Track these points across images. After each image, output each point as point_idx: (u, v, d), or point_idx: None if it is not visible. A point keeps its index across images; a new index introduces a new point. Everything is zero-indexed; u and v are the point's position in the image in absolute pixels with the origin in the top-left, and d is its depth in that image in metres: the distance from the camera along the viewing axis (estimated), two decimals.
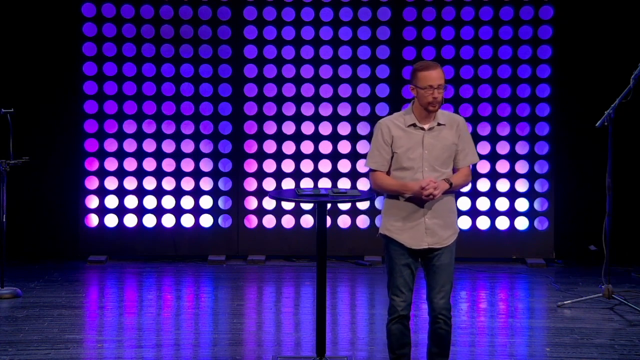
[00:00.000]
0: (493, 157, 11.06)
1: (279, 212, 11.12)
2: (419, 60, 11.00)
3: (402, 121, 6.28)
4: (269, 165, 11.08)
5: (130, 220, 11.10)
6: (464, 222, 11.06)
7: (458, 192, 6.25)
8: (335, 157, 11.10)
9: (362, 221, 11.11)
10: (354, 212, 11.11)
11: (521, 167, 11.06)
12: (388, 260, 6.35)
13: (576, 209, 11.05)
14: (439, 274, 6.27)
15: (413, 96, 6.26)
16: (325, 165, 11.10)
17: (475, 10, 10.97)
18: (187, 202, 11.11)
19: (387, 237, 6.33)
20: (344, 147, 11.09)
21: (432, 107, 6.19)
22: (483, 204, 11.08)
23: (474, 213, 11.08)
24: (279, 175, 11.11)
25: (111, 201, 11.10)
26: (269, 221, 11.14)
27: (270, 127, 11.08)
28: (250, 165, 11.12)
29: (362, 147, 11.07)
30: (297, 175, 11.09)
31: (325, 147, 11.08)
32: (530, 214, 11.06)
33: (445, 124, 6.27)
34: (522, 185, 11.08)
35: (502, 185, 11.08)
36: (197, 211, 11.12)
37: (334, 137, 11.10)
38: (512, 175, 11.07)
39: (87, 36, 10.99)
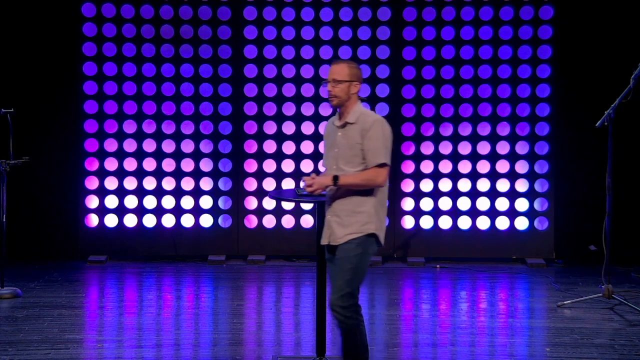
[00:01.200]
0: (493, 157, 11.06)
1: (279, 212, 11.12)
2: (419, 60, 11.01)
3: (333, 119, 6.45)
4: (269, 165, 11.08)
5: (130, 220, 11.11)
6: (464, 222, 11.07)
7: (369, 192, 6.22)
8: None
9: None
10: None
11: (521, 167, 11.06)
12: None
13: (576, 209, 11.05)
14: (333, 270, 6.33)
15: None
16: None
17: (475, 10, 10.97)
18: (187, 202, 11.11)
19: None
20: None
21: (330, 101, 6.32)
22: (483, 204, 11.08)
23: (474, 213, 11.08)
24: (279, 175, 11.12)
25: (111, 201, 11.11)
26: (269, 221, 11.14)
27: (270, 127, 11.09)
28: (250, 165, 11.12)
29: None
30: (297, 175, 11.10)
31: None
32: (530, 214, 11.06)
33: (354, 122, 6.29)
34: (522, 185, 11.08)
35: (502, 185, 11.08)
36: (197, 211, 11.13)
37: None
38: (512, 175, 11.07)
39: (87, 36, 11.00)
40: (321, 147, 11.07)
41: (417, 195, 11.12)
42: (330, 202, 6.33)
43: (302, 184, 6.43)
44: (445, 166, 11.09)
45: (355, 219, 6.27)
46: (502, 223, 11.08)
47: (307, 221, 11.09)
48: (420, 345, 7.85)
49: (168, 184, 11.13)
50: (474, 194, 11.09)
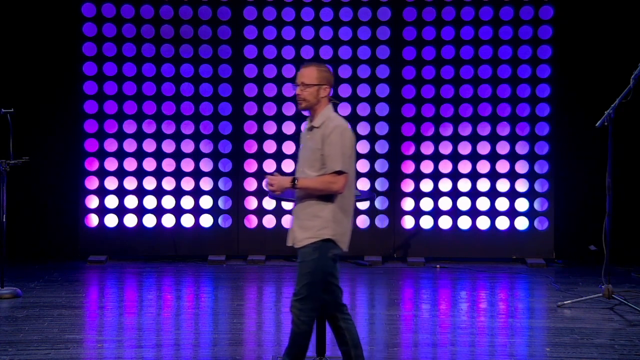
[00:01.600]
0: (493, 157, 11.06)
1: (279, 212, 11.12)
2: (419, 60, 11.01)
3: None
4: (269, 165, 11.08)
5: (130, 220, 11.11)
6: (464, 222, 11.07)
7: (324, 197, 6.28)
8: None
9: (362, 221, 11.11)
10: (354, 212, 11.09)
11: (521, 167, 11.06)
12: None
13: (576, 209, 11.05)
14: (296, 273, 6.37)
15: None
16: None
17: (475, 10, 10.97)
18: (187, 202, 11.11)
19: None
20: None
21: (298, 104, 6.35)
22: (483, 204, 11.08)
23: (474, 213, 11.08)
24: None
25: (111, 201, 11.11)
26: (269, 221, 11.14)
27: (270, 127, 11.09)
28: (250, 165, 11.12)
29: (362, 147, 11.07)
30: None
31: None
32: (530, 214, 11.06)
33: (319, 127, 6.32)
34: (522, 185, 11.08)
35: (502, 185, 11.08)
36: (197, 211, 11.13)
37: None
38: (512, 175, 11.07)
39: (87, 36, 11.00)
40: None
41: (417, 195, 11.11)
42: (295, 205, 6.40)
43: (264, 183, 6.46)
44: (445, 166, 11.09)
45: (313, 223, 6.30)
46: (502, 223, 11.08)
47: None
48: (420, 345, 7.85)
49: (168, 184, 11.13)
50: (474, 194, 11.09)
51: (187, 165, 11.11)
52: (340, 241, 6.33)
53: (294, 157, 11.08)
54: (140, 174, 11.11)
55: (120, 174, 11.10)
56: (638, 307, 8.76)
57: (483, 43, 11.00)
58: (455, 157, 11.07)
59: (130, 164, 11.09)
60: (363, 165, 11.09)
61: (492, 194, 11.08)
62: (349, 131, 6.29)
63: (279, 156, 11.09)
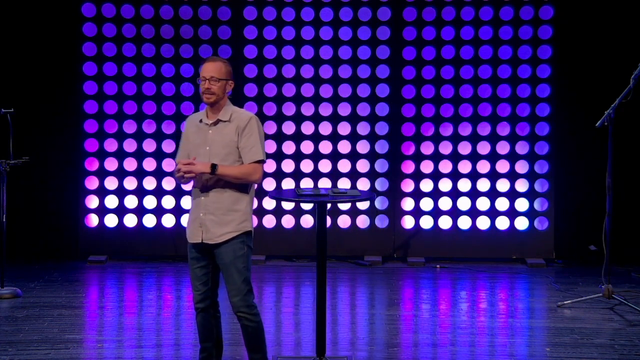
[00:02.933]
0: (493, 157, 11.06)
1: (279, 212, 11.12)
2: (419, 60, 11.01)
3: (199, 116, 6.44)
4: (269, 165, 11.08)
5: (130, 220, 11.11)
6: (464, 222, 11.07)
7: (246, 189, 6.34)
8: (335, 157, 11.10)
9: (362, 221, 11.11)
10: (353, 212, 11.12)
11: (521, 167, 11.06)
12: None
13: (576, 209, 11.05)
14: (225, 272, 6.36)
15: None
16: (325, 165, 11.10)
17: (475, 10, 10.97)
18: (187, 202, 11.11)
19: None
20: (344, 147, 11.09)
21: (206, 99, 6.31)
22: (483, 204, 11.08)
23: (474, 213, 11.08)
24: (278, 175, 11.11)
25: (111, 201, 11.11)
26: (269, 221, 11.14)
27: (270, 127, 11.08)
28: None
29: (362, 147, 11.07)
30: (297, 175, 11.10)
31: (325, 147, 11.08)
32: (530, 214, 11.06)
33: (228, 120, 6.34)
34: (522, 185, 11.08)
35: (502, 185, 11.08)
36: None
37: (334, 137, 11.11)
38: (512, 175, 11.07)
39: (87, 36, 11.00)
40: (321, 147, 11.08)
41: (417, 195, 11.11)
42: (206, 202, 6.33)
43: (177, 173, 6.45)
44: (445, 166, 11.09)
45: (231, 217, 6.32)
46: (502, 223, 11.08)
47: (307, 221, 11.09)
48: (420, 345, 7.85)
49: (168, 184, 11.13)
50: (474, 194, 11.09)
51: None
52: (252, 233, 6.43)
53: (293, 156, 11.08)
54: (140, 174, 11.11)
55: (120, 174, 11.10)
56: (638, 307, 8.76)
57: (483, 43, 11.00)
58: (455, 157, 11.07)
59: (130, 164, 11.09)
60: (363, 165, 11.09)
61: (492, 194, 11.08)
62: (259, 122, 6.40)
63: (279, 156, 11.09)
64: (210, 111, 6.39)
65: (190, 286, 6.49)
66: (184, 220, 11.11)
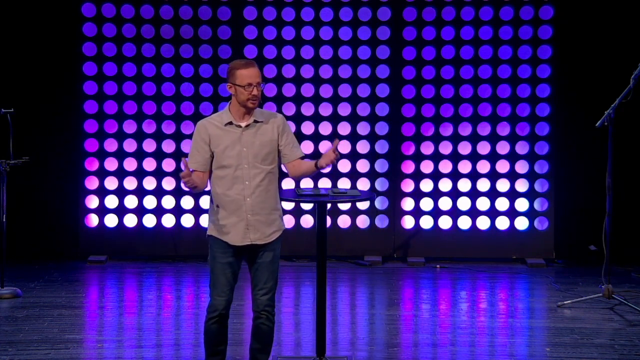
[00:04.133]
0: (493, 157, 11.06)
1: None
2: (419, 60, 11.01)
3: (219, 120, 6.37)
4: None
5: (130, 220, 11.10)
6: (464, 222, 11.07)
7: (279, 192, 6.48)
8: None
9: (362, 221, 11.11)
10: (354, 212, 11.11)
11: (521, 167, 11.06)
12: (211, 260, 6.61)
13: (576, 209, 11.05)
14: (262, 271, 6.42)
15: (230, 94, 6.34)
16: None
17: (475, 10, 10.97)
18: (187, 202, 11.11)
19: (212, 237, 6.60)
20: (344, 147, 11.08)
21: (252, 104, 6.29)
22: (483, 204, 11.08)
23: (474, 213, 11.08)
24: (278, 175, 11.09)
25: (111, 201, 11.10)
26: None
27: None
28: None
29: (362, 147, 11.07)
30: None
31: (325, 147, 11.08)
32: (530, 214, 11.06)
33: (263, 121, 6.36)
34: (522, 185, 11.08)
35: (502, 185, 11.08)
36: (197, 211, 11.13)
37: (334, 137, 11.09)
38: (512, 175, 11.07)
39: (87, 36, 11.00)
40: (321, 147, 11.07)
41: (417, 195, 11.11)
42: (251, 203, 6.35)
43: (182, 165, 6.47)
44: (445, 166, 11.09)
45: (274, 216, 6.42)
46: (502, 223, 11.08)
47: (307, 221, 11.09)
48: (420, 345, 7.85)
49: (168, 184, 11.13)
50: (474, 194, 11.09)
51: None
52: None
53: None
54: (140, 174, 11.11)
55: (120, 174, 11.10)
56: (638, 307, 8.76)
57: (483, 43, 11.00)
58: (455, 157, 11.07)
59: (130, 164, 11.09)
60: (363, 165, 11.09)
61: (492, 194, 11.08)
62: None
63: None
64: (238, 114, 6.33)
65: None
66: (184, 220, 11.10)
